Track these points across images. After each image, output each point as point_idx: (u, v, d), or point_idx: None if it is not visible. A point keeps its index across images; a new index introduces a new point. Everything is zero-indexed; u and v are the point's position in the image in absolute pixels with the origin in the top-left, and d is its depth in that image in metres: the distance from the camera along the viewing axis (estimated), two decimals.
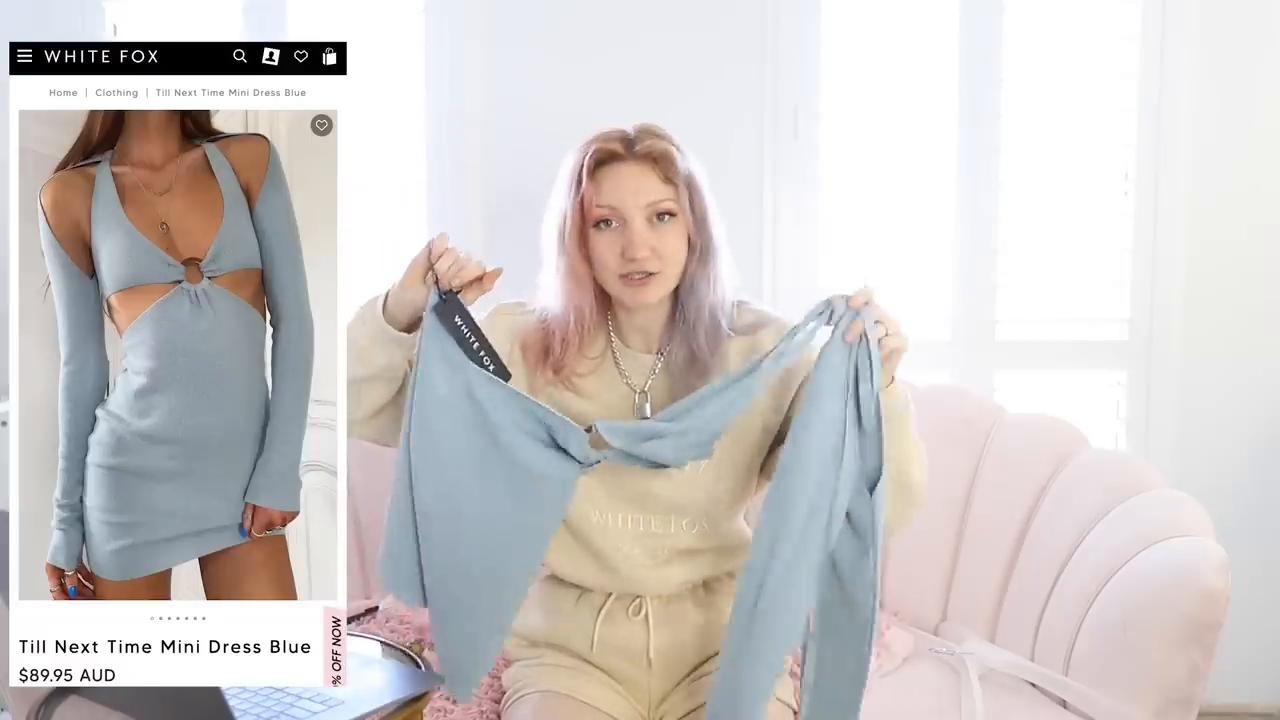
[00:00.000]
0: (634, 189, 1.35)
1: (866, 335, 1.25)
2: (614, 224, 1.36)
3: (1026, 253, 2.25)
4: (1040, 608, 1.70)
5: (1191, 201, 2.22)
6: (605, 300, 1.42)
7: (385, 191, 2.29)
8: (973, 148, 2.23)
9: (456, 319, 1.30)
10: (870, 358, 1.25)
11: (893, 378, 1.30)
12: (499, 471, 1.33)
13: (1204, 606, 1.45)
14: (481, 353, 1.31)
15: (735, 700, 1.31)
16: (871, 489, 1.26)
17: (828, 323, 1.27)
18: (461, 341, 1.30)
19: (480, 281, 1.31)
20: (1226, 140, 2.21)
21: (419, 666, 1.39)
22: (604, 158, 1.36)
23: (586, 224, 1.36)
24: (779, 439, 1.43)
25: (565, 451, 1.32)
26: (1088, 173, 2.23)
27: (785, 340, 1.29)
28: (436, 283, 1.30)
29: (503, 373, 1.32)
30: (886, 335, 1.26)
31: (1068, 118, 2.22)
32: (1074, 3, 2.22)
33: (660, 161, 1.36)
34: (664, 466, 1.32)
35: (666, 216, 1.36)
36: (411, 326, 1.34)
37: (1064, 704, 1.59)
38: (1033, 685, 1.64)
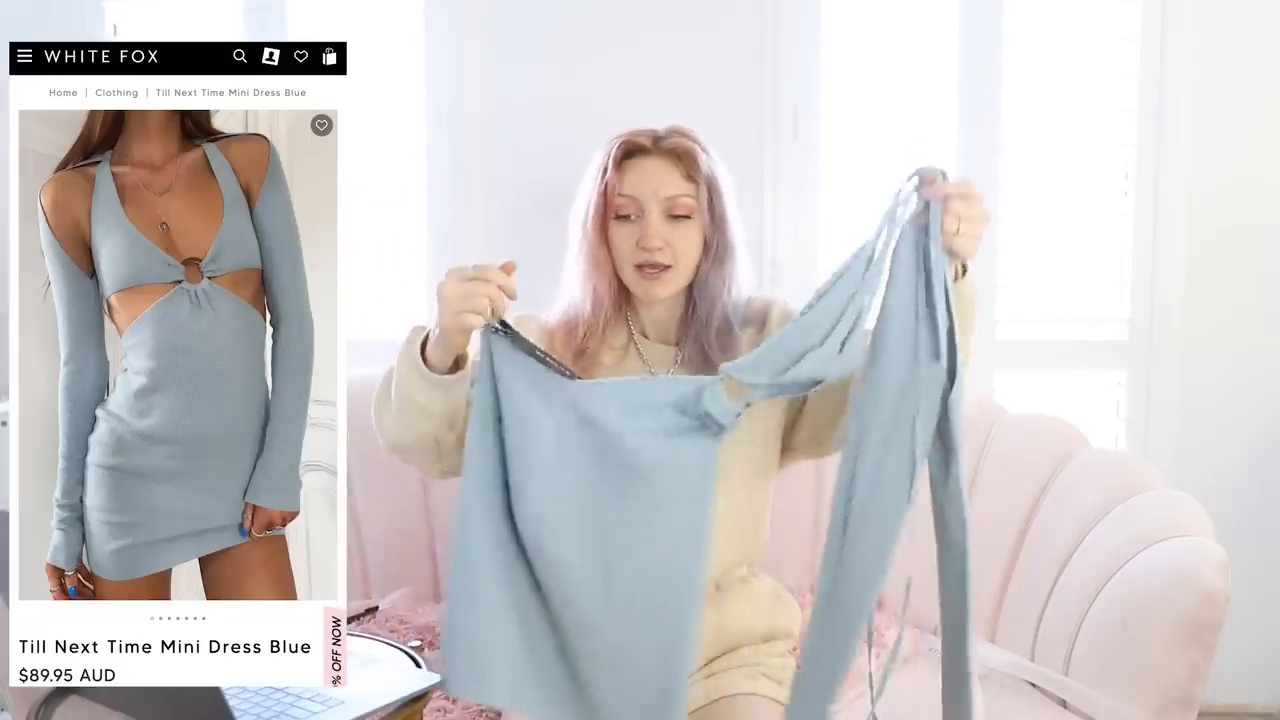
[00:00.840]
0: (655, 183, 1.40)
1: (931, 228, 1.18)
2: (633, 218, 1.40)
3: (1026, 253, 2.25)
4: (1040, 608, 1.70)
5: (1191, 202, 2.22)
6: (626, 291, 1.45)
7: (385, 191, 2.29)
8: (973, 148, 2.23)
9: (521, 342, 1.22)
10: (934, 252, 1.17)
11: (965, 268, 1.25)
12: (636, 491, 1.20)
13: (1204, 606, 1.45)
14: (554, 362, 1.22)
15: (834, 615, 1.20)
16: (948, 392, 1.16)
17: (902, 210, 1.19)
18: (540, 362, 1.22)
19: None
20: (1226, 140, 2.21)
21: (419, 666, 1.39)
22: (631, 150, 1.42)
23: (609, 213, 1.41)
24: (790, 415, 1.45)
25: (699, 422, 1.20)
26: (1088, 173, 2.23)
27: (886, 218, 1.20)
28: (502, 324, 1.21)
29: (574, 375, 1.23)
30: (959, 232, 1.20)
31: (1068, 118, 2.22)
32: (1074, 3, 2.22)
33: (684, 159, 1.41)
34: (818, 384, 1.19)
35: (683, 214, 1.40)
36: (455, 367, 1.28)
37: (1064, 704, 1.59)
38: (1033, 685, 1.65)
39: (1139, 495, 1.70)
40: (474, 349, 1.28)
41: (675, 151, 1.41)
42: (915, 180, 1.20)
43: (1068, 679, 1.58)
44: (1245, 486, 2.27)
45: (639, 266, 1.40)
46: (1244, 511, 2.24)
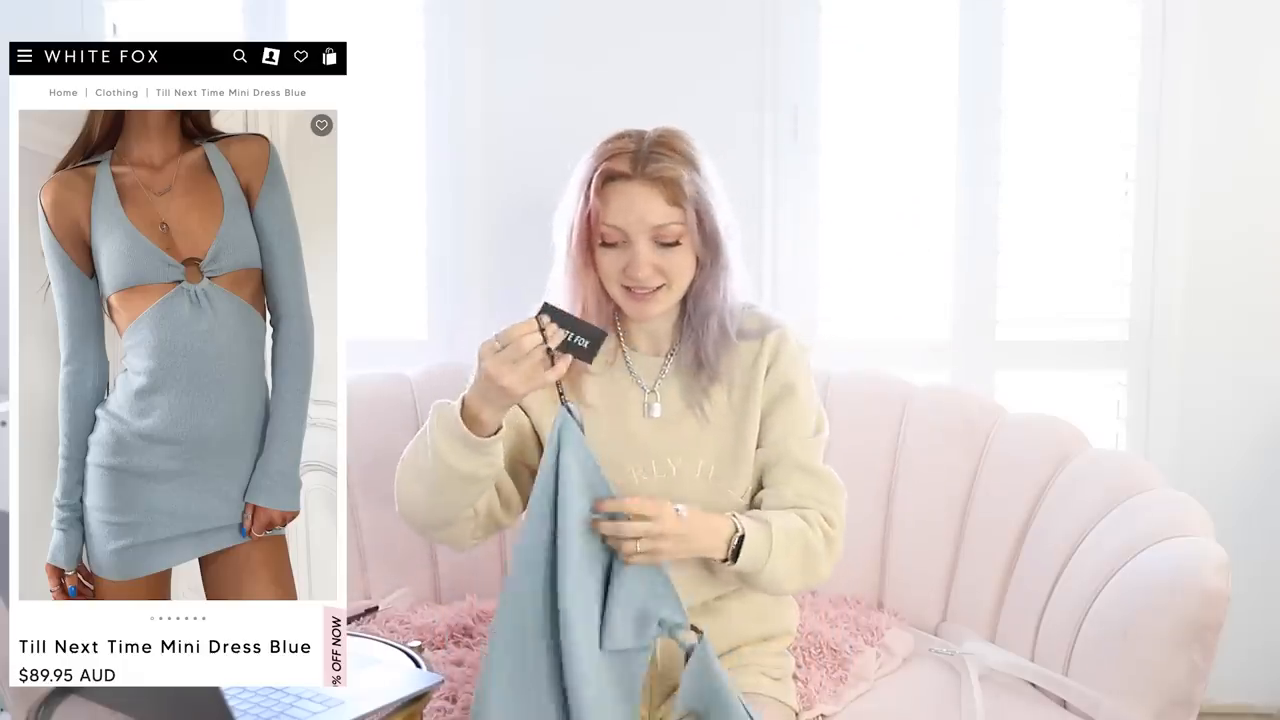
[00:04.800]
0: (640, 212, 1.37)
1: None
2: (620, 245, 1.38)
3: (1026, 253, 2.25)
4: (1040, 608, 1.70)
5: (1191, 202, 2.22)
6: (614, 303, 1.44)
7: (385, 191, 2.29)
8: (973, 147, 2.22)
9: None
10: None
11: (729, 553, 1.34)
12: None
13: (1204, 607, 1.44)
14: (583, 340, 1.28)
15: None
16: None
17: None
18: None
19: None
20: (1227, 140, 2.21)
21: (419, 666, 1.39)
22: (612, 175, 1.37)
23: (593, 239, 1.38)
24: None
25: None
26: (1088, 172, 2.23)
27: None
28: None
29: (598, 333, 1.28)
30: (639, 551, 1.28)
31: (1068, 117, 2.21)
32: (1074, 3, 2.22)
33: (668, 185, 1.37)
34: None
35: (672, 241, 1.38)
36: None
37: (1064, 704, 1.59)
38: (1033, 685, 1.64)
39: (1139, 495, 1.70)
40: None
41: (660, 179, 1.36)
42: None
43: (1068, 679, 1.58)
44: (1245, 486, 2.26)
45: (628, 288, 1.39)
46: (1244, 511, 2.24)
